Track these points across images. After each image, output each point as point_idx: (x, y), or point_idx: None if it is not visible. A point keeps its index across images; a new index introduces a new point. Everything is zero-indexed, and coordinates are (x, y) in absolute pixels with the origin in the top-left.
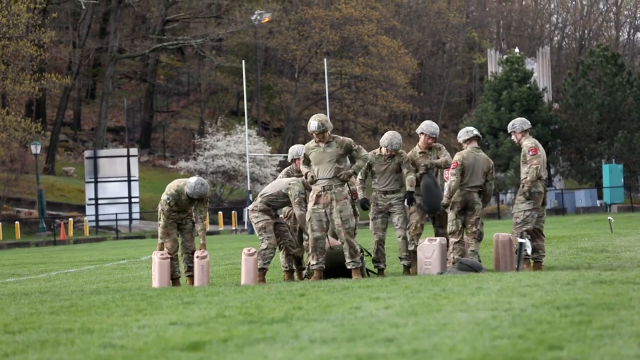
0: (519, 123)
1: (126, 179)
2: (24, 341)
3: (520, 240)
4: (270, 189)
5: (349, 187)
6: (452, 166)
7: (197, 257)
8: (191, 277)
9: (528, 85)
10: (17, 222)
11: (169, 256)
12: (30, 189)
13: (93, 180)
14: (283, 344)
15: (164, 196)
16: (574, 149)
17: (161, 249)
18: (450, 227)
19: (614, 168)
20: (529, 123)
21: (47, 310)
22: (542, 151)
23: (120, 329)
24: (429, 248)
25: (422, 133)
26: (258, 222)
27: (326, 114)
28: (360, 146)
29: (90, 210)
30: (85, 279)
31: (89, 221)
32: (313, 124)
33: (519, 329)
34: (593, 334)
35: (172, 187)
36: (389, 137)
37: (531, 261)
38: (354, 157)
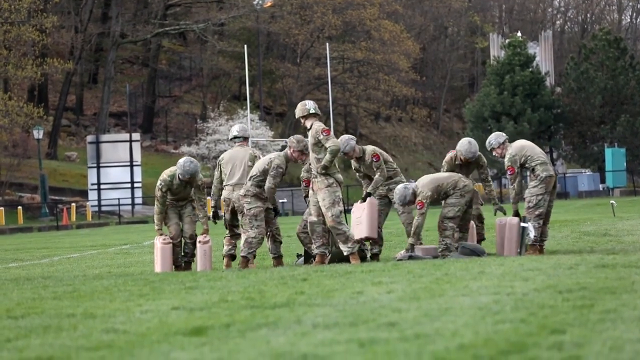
0: (494, 138)
1: (128, 163)
2: (26, 326)
3: (523, 224)
4: (256, 169)
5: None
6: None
7: (200, 242)
8: (189, 262)
9: (530, 69)
10: (19, 207)
11: (171, 241)
12: (32, 174)
13: (95, 165)
14: (285, 329)
15: (157, 182)
16: (577, 132)
17: (161, 233)
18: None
19: (616, 152)
20: (504, 135)
21: (50, 296)
22: (527, 147)
23: (123, 314)
24: (358, 208)
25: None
26: (251, 208)
27: (328, 99)
28: (329, 136)
29: (92, 195)
30: (87, 264)
31: (92, 206)
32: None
33: (522, 313)
34: (595, 318)
35: (165, 172)
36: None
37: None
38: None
